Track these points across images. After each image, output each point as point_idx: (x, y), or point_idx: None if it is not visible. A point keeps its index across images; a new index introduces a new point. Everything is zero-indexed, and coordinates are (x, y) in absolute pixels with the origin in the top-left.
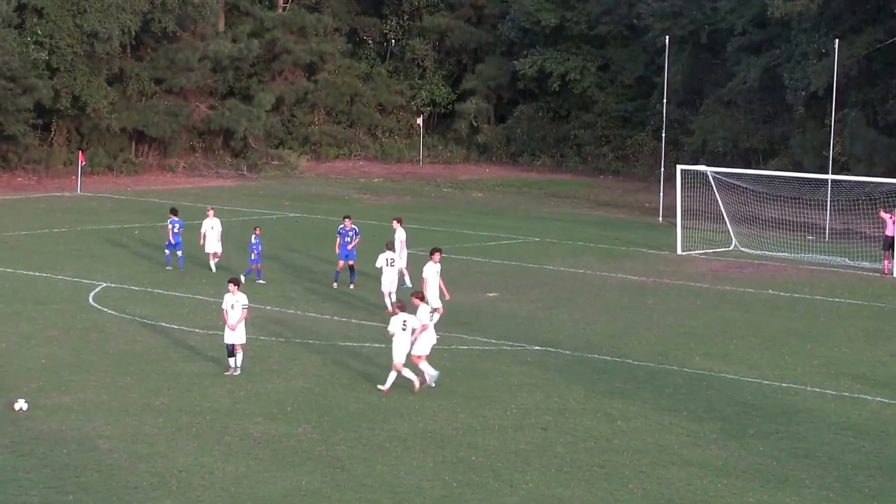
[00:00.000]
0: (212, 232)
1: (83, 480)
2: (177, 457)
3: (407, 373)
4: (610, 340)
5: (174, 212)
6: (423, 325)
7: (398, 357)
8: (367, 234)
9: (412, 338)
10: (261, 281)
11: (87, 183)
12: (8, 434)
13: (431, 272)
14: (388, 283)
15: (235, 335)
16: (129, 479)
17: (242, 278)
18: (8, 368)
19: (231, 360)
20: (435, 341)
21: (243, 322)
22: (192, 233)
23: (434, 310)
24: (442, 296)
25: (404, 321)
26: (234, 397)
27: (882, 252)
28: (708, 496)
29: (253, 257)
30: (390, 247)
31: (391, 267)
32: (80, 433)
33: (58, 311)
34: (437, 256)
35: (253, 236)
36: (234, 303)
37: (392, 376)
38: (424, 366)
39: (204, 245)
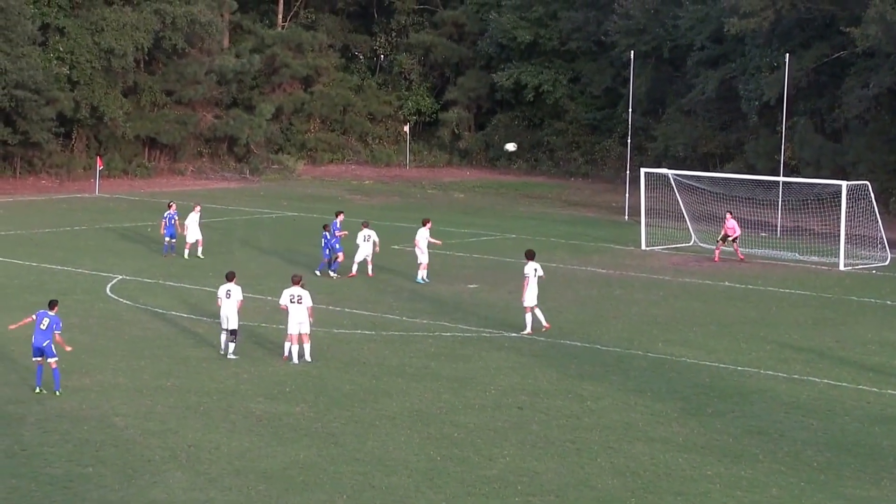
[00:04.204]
0: (194, 224)
1: (101, 454)
2: (186, 433)
3: (288, 348)
4: (580, 328)
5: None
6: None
7: (291, 328)
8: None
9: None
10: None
11: (105, 185)
12: (34, 413)
13: (530, 270)
14: (363, 254)
15: (231, 321)
16: (143, 453)
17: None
18: None
19: (225, 343)
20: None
21: (237, 310)
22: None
23: (532, 307)
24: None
25: (293, 295)
26: (238, 379)
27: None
28: (670, 469)
29: (328, 252)
30: (366, 225)
31: (367, 242)
32: (99, 412)
33: (78, 301)
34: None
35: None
36: (230, 290)
37: (287, 346)
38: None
39: (186, 235)
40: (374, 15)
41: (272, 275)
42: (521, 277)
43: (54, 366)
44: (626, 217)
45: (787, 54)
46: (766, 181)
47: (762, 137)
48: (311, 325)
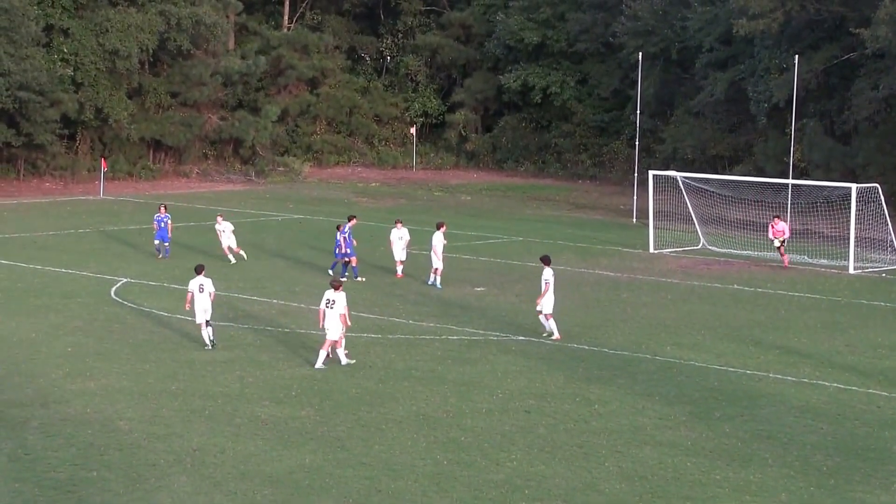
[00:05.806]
0: (228, 230)
1: (106, 458)
2: (191, 437)
3: (322, 356)
4: (588, 331)
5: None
6: (343, 315)
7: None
8: (363, 233)
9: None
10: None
11: (109, 188)
12: (38, 416)
13: (548, 276)
14: (399, 254)
15: (208, 313)
16: (148, 457)
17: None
18: (37, 356)
19: (208, 336)
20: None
21: (210, 302)
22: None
23: (543, 313)
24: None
25: (329, 300)
26: (243, 383)
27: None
28: (678, 474)
29: (338, 253)
30: (397, 222)
31: (400, 241)
32: (103, 415)
33: (82, 304)
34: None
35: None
36: (202, 284)
37: (323, 354)
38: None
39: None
40: (381, 16)
41: (277, 278)
42: (540, 282)
43: None
44: (634, 220)
45: (797, 56)
46: (776, 184)
47: (771, 140)
48: (343, 331)
